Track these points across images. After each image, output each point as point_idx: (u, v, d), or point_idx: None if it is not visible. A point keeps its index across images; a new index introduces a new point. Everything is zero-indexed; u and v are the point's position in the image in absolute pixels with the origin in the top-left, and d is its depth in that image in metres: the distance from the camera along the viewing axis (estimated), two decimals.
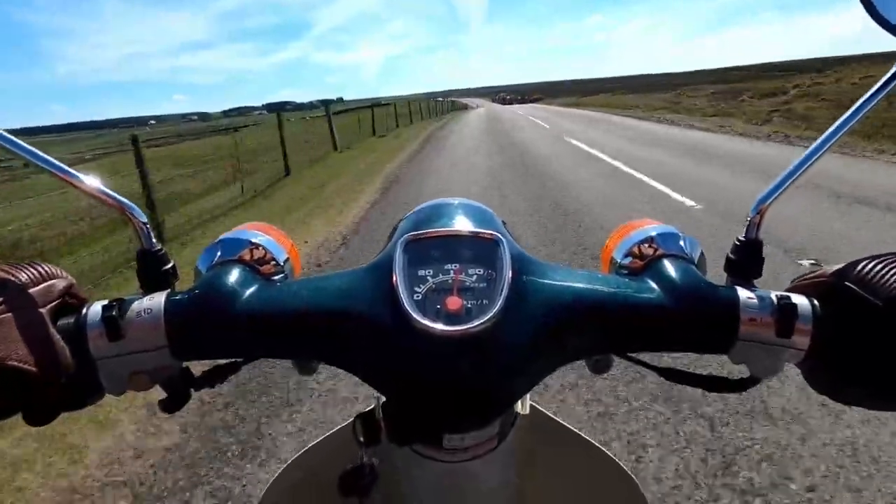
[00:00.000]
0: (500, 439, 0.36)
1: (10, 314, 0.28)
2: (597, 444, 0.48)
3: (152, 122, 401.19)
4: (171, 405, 0.34)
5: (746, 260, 0.35)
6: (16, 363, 0.27)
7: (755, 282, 0.35)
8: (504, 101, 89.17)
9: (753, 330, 0.32)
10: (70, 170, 0.33)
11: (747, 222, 0.35)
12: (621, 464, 0.48)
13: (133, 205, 0.34)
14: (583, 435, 0.49)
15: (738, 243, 0.35)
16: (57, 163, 0.33)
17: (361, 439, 0.36)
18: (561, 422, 0.49)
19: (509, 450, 0.38)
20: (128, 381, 0.32)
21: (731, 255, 0.36)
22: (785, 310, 0.32)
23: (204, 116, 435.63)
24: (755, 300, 0.33)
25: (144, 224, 0.34)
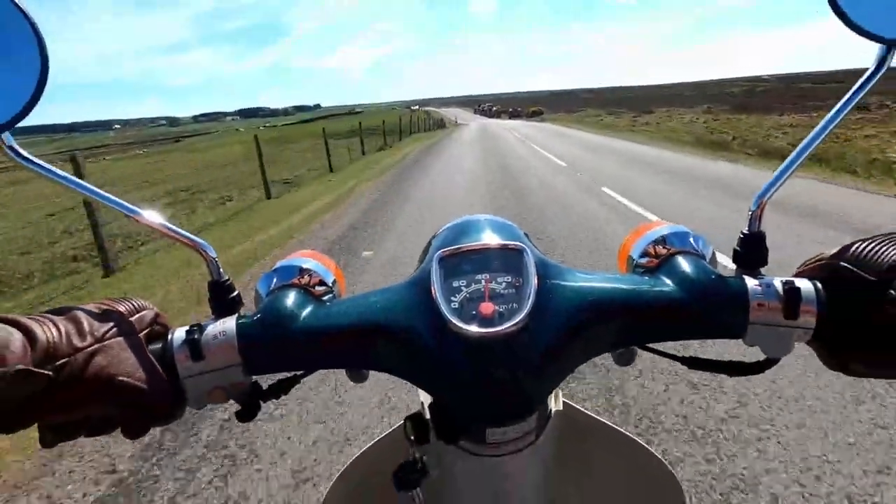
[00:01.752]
0: (538, 434, 0.39)
1: (118, 339, 0.33)
2: (632, 436, 0.49)
3: (117, 125, 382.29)
4: (246, 416, 0.38)
5: (751, 251, 0.37)
6: (126, 379, 0.32)
7: (762, 270, 0.37)
8: (490, 114, 77.99)
9: (763, 314, 0.35)
10: (154, 215, 0.37)
11: (749, 215, 0.37)
12: (657, 454, 0.48)
13: (204, 242, 0.38)
14: (617, 428, 0.49)
15: (742, 236, 0.37)
16: (135, 208, 0.37)
17: (412, 438, 0.38)
18: (595, 416, 0.50)
19: (547, 444, 0.40)
20: (207, 395, 0.36)
21: (737, 248, 0.38)
22: (790, 293, 0.34)
23: (173, 121, 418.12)
24: (762, 287, 0.35)
25: (214, 259, 0.38)
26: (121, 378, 0.32)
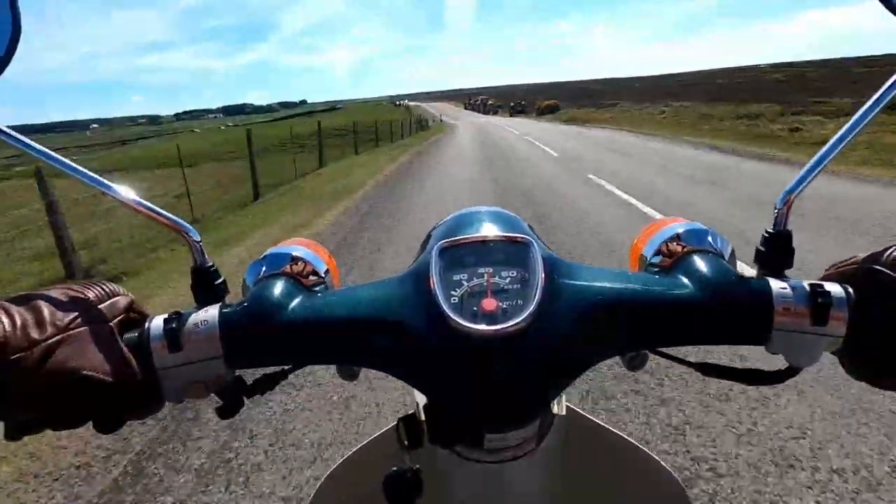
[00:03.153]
0: (539, 440, 0.36)
1: (84, 328, 0.30)
2: (636, 443, 0.47)
3: (94, 125, 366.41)
4: (227, 412, 0.36)
5: (776, 251, 0.34)
6: (91, 373, 0.29)
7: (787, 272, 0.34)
8: (484, 109, 66.54)
9: (788, 319, 0.32)
10: (128, 193, 0.35)
11: (775, 214, 0.34)
12: (661, 461, 0.47)
13: (188, 225, 0.36)
14: (621, 434, 0.47)
15: (766, 235, 0.35)
16: (112, 185, 0.35)
17: (405, 442, 0.36)
18: (598, 421, 0.47)
19: (548, 450, 0.38)
20: (186, 390, 0.33)
21: (760, 248, 0.35)
22: (819, 298, 0.31)
23: (154, 119, 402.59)
24: (788, 290, 0.32)
25: (198, 242, 0.36)
26: (86, 371, 0.29)
